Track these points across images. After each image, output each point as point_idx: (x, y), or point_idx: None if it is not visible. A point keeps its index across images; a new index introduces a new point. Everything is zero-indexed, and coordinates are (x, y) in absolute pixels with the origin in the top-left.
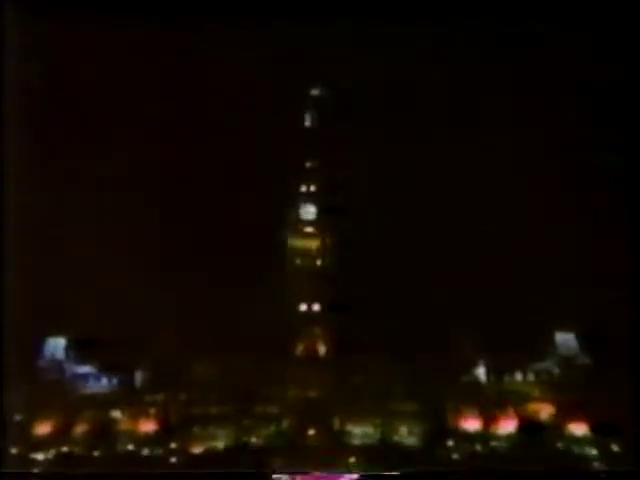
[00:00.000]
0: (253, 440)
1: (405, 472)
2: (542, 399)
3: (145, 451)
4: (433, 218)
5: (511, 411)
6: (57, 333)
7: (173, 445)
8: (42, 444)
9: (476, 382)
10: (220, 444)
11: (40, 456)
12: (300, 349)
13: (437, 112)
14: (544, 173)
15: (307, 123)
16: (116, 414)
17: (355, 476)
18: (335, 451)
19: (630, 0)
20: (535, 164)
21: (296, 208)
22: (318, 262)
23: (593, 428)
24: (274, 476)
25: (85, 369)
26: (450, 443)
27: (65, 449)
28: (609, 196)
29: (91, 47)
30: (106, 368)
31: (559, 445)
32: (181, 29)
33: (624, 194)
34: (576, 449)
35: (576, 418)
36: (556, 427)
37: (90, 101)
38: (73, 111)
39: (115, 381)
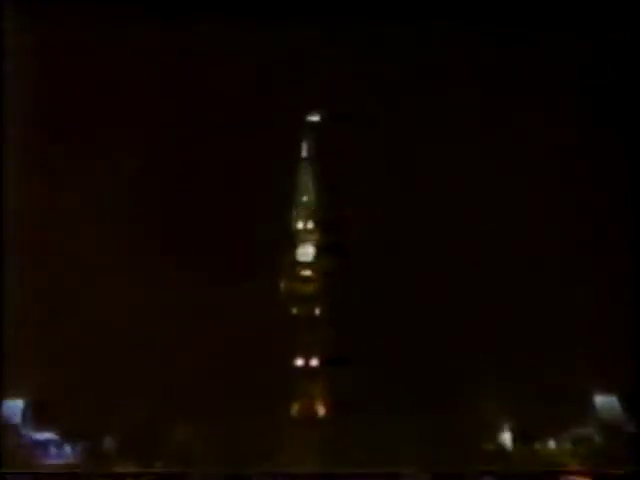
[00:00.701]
0: None
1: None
2: (580, 472)
3: None
4: (443, 259)
5: None
6: (13, 395)
7: None
8: None
9: (500, 449)
10: None
11: None
12: (296, 410)
13: (441, 130)
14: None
15: (304, 153)
16: None
17: None
18: None
19: (630, 0)
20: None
21: (292, 249)
22: (317, 310)
23: None
24: None
25: (45, 436)
26: None
27: None
28: None
29: (91, 47)
30: (69, 434)
31: None
32: (181, 29)
33: None
34: None
35: None
36: None
37: (89, 101)
38: (73, 111)
39: (80, 449)
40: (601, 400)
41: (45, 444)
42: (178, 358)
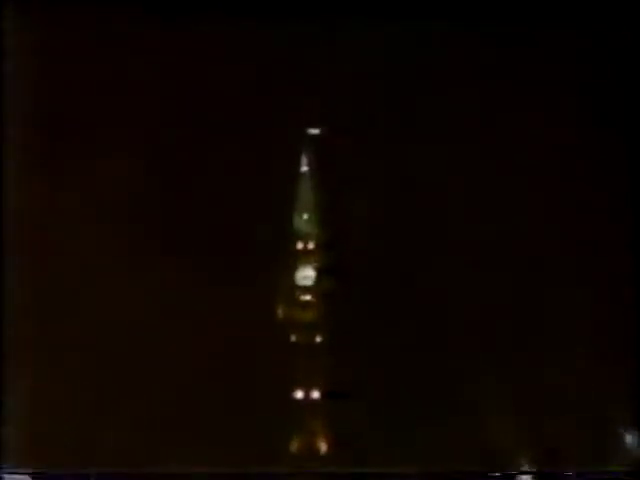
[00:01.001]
0: None
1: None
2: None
3: None
4: (444, 268)
5: None
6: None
7: None
8: None
9: None
10: None
11: None
12: (295, 448)
13: (441, 130)
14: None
15: (304, 167)
16: None
17: None
18: None
19: (630, 0)
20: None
21: (290, 272)
22: (317, 339)
23: None
24: None
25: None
26: None
27: None
28: None
29: (91, 47)
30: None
31: None
32: (181, 29)
33: None
34: None
35: None
36: None
37: (89, 101)
38: (73, 111)
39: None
40: (631, 436)
41: None
42: (170, 393)
